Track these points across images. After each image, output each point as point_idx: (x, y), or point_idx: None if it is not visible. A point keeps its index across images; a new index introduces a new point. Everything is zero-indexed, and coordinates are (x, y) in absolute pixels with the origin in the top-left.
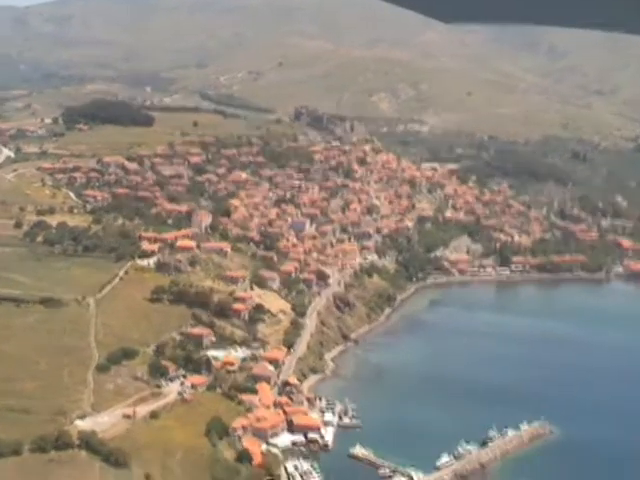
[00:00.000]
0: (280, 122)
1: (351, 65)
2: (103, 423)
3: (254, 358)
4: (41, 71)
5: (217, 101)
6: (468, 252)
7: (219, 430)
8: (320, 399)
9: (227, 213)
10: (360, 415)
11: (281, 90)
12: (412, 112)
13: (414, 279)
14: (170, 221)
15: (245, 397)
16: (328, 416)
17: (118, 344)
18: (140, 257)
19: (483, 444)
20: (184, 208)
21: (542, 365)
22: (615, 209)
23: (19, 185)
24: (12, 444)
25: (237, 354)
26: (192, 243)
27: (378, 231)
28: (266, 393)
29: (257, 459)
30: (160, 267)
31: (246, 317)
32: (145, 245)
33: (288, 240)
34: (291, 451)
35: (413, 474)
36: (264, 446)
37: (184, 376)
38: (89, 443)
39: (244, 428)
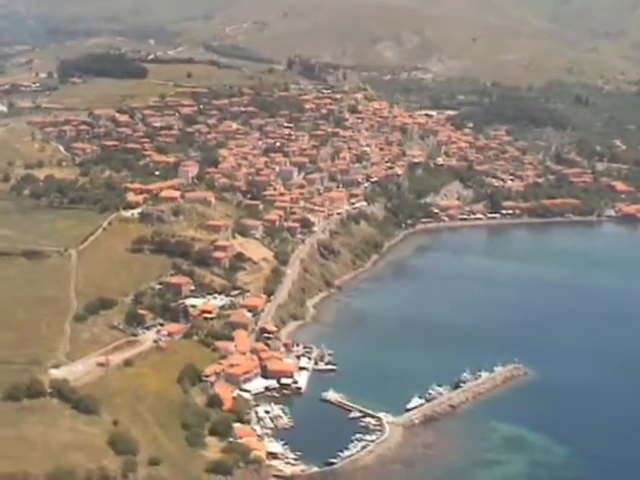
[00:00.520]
0: (273, 72)
1: (356, 14)
2: (77, 371)
3: (233, 306)
4: (48, 26)
5: (221, 52)
6: (459, 198)
7: (192, 377)
8: (297, 345)
9: (215, 163)
10: (336, 360)
11: (286, 40)
12: (416, 60)
13: (403, 225)
14: (158, 172)
15: (221, 344)
16: (304, 361)
17: (97, 294)
18: (125, 208)
19: (456, 386)
20: (172, 159)
21: (525, 308)
22: (612, 153)
23: (8, 139)
24: None
25: (216, 302)
26: (176, 193)
27: (367, 178)
28: (242, 340)
29: (227, 404)
30: (144, 218)
31: (227, 265)
32: (130, 196)
33: (275, 189)
34: (263, 396)
35: (382, 416)
36: (236, 391)
37: (161, 324)
38: (60, 391)
39: (217, 374)
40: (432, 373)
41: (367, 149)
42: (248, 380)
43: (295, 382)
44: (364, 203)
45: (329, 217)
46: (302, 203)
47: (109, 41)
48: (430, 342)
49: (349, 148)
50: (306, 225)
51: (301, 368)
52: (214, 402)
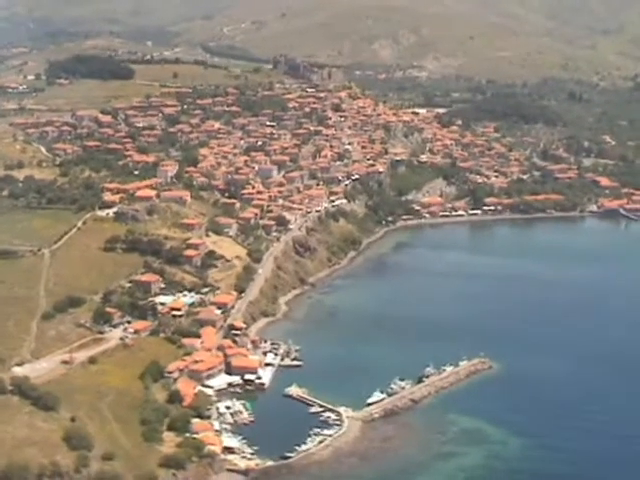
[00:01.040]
0: (259, 71)
1: (352, 13)
2: (41, 369)
3: (203, 303)
4: (49, 28)
5: (218, 52)
6: (441, 195)
7: (154, 373)
8: (265, 341)
9: (195, 162)
10: (303, 356)
11: (282, 40)
12: (412, 58)
13: (383, 222)
14: (137, 172)
15: (187, 341)
16: (270, 357)
17: (67, 293)
18: (101, 208)
19: (419, 381)
20: (151, 159)
21: (498, 303)
22: (601, 149)
23: None
24: None
25: (185, 299)
26: (152, 193)
27: (348, 176)
28: (209, 337)
29: (188, 400)
30: (118, 217)
31: (198, 263)
32: (107, 196)
33: (254, 187)
34: (226, 392)
35: (342, 411)
36: (199, 388)
37: (128, 322)
38: (21, 388)
39: (180, 370)
40: (398, 368)
41: (349, 147)
42: (211, 376)
43: (259, 378)
44: (344, 201)
45: (307, 215)
46: (280, 201)
47: (106, 43)
48: (399, 337)
49: (331, 146)
50: (282, 223)
51: (267, 364)
52: (174, 398)
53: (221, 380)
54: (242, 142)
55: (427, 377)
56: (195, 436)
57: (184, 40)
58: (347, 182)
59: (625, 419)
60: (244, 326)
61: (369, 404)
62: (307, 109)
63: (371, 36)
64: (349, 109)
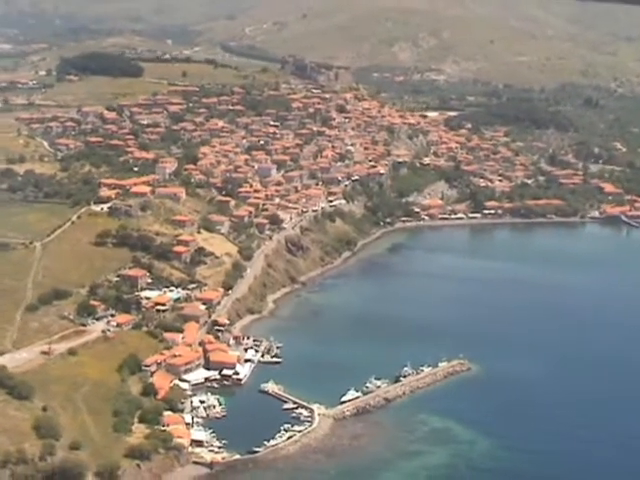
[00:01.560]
0: (266, 71)
1: (372, 15)
2: (20, 359)
3: (188, 298)
4: (73, 25)
5: (237, 52)
6: (442, 198)
7: (132, 366)
8: (248, 338)
9: (194, 160)
10: (285, 353)
11: (302, 41)
12: (431, 61)
13: (382, 224)
14: (137, 168)
15: (169, 335)
16: (250, 354)
17: (55, 286)
18: (96, 203)
19: (396, 380)
20: (151, 156)
21: (485, 306)
22: (610, 155)
23: None
24: None
25: (171, 295)
26: (147, 189)
27: (348, 177)
28: (191, 332)
29: (162, 393)
30: (112, 212)
31: (187, 259)
32: (104, 191)
33: (251, 186)
34: (203, 386)
35: (315, 408)
36: (175, 381)
37: (112, 315)
38: None
39: (158, 364)
40: (377, 367)
41: (351, 148)
42: (189, 370)
43: (236, 373)
44: (343, 201)
45: (302, 214)
46: (277, 200)
47: (126, 40)
48: (381, 337)
49: (333, 147)
50: (275, 222)
51: (246, 360)
52: (149, 391)
53: (198, 374)
54: (244, 141)
55: (404, 377)
56: (164, 428)
57: (205, 39)
58: (347, 183)
59: (596, 423)
60: (227, 322)
61: (343, 402)
62: (311, 109)
63: (391, 38)
64: (354, 110)
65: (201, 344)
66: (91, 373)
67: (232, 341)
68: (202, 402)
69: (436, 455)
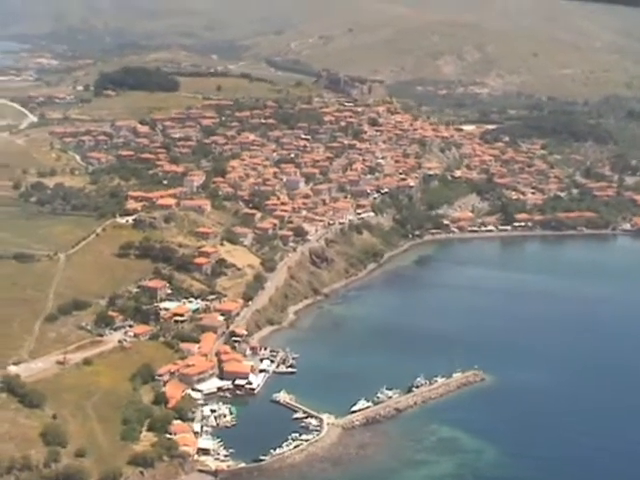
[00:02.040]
0: (300, 85)
1: (419, 29)
2: (36, 368)
3: (207, 309)
4: (123, 41)
5: (281, 67)
6: (473, 210)
7: (145, 375)
8: (265, 348)
9: (223, 173)
10: (300, 363)
11: (347, 55)
12: (475, 75)
13: (410, 236)
14: (166, 181)
15: (185, 345)
16: (265, 364)
17: (75, 296)
18: (122, 215)
19: (409, 391)
20: (180, 169)
21: (507, 317)
22: None
23: (28, 148)
24: None
25: (190, 306)
26: (172, 201)
27: (378, 190)
28: (208, 342)
29: (173, 402)
30: (137, 224)
31: (208, 271)
32: (130, 204)
33: (279, 198)
34: (216, 396)
35: (324, 417)
36: (188, 390)
37: (130, 326)
38: (11, 385)
39: (171, 373)
40: (392, 378)
41: (382, 161)
42: (202, 380)
43: (249, 383)
44: (371, 214)
45: (329, 226)
46: (304, 212)
47: (171, 55)
48: (399, 349)
49: (363, 160)
50: (299, 234)
51: (261, 370)
52: (160, 400)
53: (211, 384)
54: (274, 154)
55: (417, 387)
56: (170, 437)
57: (252, 54)
58: (375, 195)
59: (607, 433)
60: (245, 333)
61: (353, 412)
62: (343, 123)
63: (435, 52)
64: (386, 124)
65: (217, 354)
66: (104, 382)
67: (249, 352)
68: (213, 411)
69: (442, 465)
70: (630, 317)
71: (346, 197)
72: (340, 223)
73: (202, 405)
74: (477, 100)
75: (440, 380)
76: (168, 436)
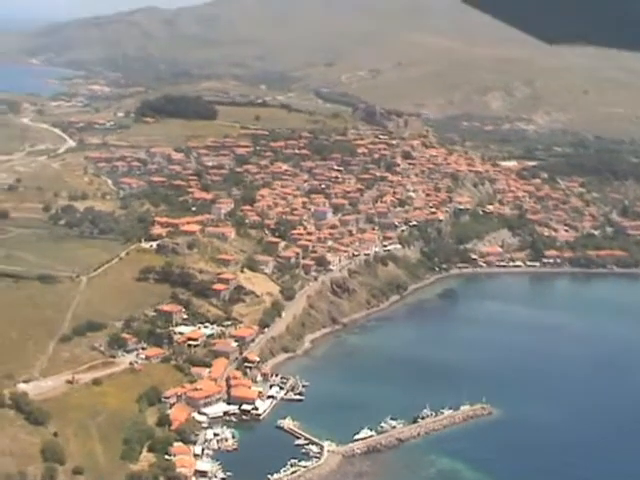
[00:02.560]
0: (337, 117)
1: (468, 64)
2: (45, 387)
3: (222, 335)
4: (176, 70)
5: (329, 98)
6: (502, 245)
7: (151, 397)
8: (276, 375)
9: (252, 201)
10: (310, 391)
11: (394, 88)
12: (523, 111)
13: (437, 269)
14: (194, 208)
15: (196, 370)
16: (274, 390)
17: (91, 318)
18: (147, 240)
19: (414, 421)
20: (210, 196)
21: (524, 353)
22: None
23: (61, 172)
24: None
25: (205, 330)
26: (196, 228)
27: (406, 222)
28: (219, 367)
29: (176, 424)
30: (160, 249)
31: (226, 297)
32: (155, 229)
33: (305, 228)
34: (221, 420)
35: (325, 445)
36: (194, 414)
37: (143, 348)
38: (18, 403)
39: (178, 396)
40: (398, 408)
41: (412, 194)
42: (209, 404)
43: (255, 409)
44: (398, 246)
45: (353, 257)
46: (330, 243)
47: (220, 85)
48: (411, 380)
49: (394, 192)
50: (321, 263)
51: (269, 396)
52: (163, 422)
53: (218, 408)
54: (305, 184)
55: (422, 418)
56: (169, 458)
57: (301, 85)
58: (403, 228)
59: (610, 473)
60: (257, 359)
61: (355, 440)
62: (376, 155)
63: (484, 87)
64: (419, 157)
65: (227, 379)
66: (111, 403)
67: (259, 378)
68: (216, 435)
69: None
70: None
71: (373, 229)
72: (365, 254)
73: (206, 428)
74: (523, 136)
75: (446, 412)
76: (167, 457)
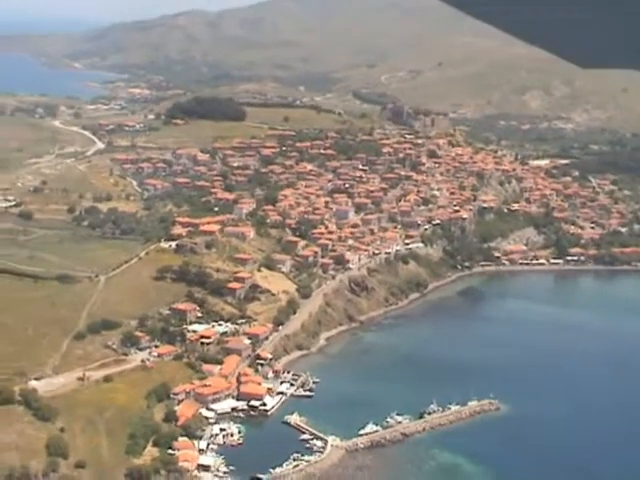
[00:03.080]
0: (365, 117)
1: (507, 64)
2: (56, 384)
3: (236, 333)
4: (219, 72)
5: (367, 99)
6: (527, 244)
7: (160, 393)
8: (288, 372)
9: (274, 201)
10: (321, 388)
11: (434, 88)
12: (562, 110)
13: (459, 267)
14: (217, 208)
15: (207, 367)
16: (284, 387)
17: (107, 317)
18: (166, 240)
19: (420, 417)
20: (232, 196)
21: (539, 351)
22: None
23: (87, 174)
24: None
25: (219, 329)
26: (215, 227)
27: (429, 221)
28: (230, 364)
29: (182, 420)
30: (179, 249)
31: (241, 296)
32: (176, 229)
33: (326, 227)
34: (230, 415)
35: (329, 439)
36: (202, 410)
37: (156, 346)
38: (27, 399)
39: (187, 393)
40: (408, 405)
41: (436, 193)
42: (217, 400)
43: (263, 405)
44: (420, 244)
45: (373, 256)
46: (350, 242)
47: (259, 87)
48: (423, 377)
49: (418, 191)
50: (340, 262)
51: (279, 393)
52: (170, 417)
53: (226, 404)
54: (329, 184)
55: (429, 414)
56: (172, 452)
57: (341, 87)
58: (426, 226)
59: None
60: (270, 357)
61: (360, 435)
62: (401, 154)
63: (523, 87)
64: (445, 156)
65: (238, 376)
66: (120, 399)
67: (271, 374)
68: (222, 430)
69: None
70: None
71: (396, 227)
72: (386, 253)
73: (213, 424)
74: (560, 135)
75: (453, 407)
76: (170, 452)
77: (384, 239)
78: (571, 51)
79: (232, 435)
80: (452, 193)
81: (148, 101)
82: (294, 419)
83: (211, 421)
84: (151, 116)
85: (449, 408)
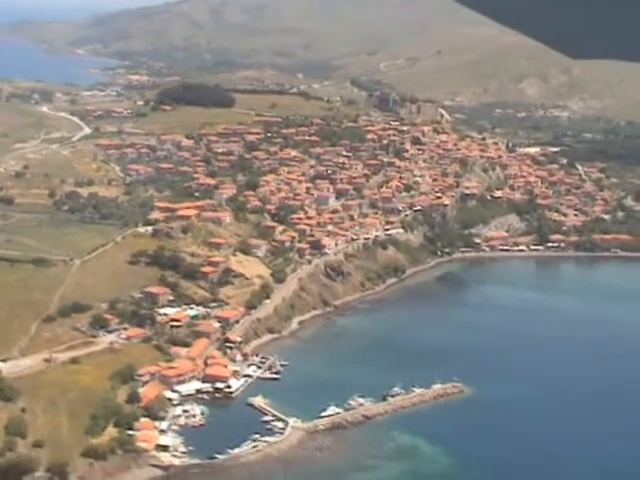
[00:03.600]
0: (352, 104)
1: (505, 52)
2: (22, 365)
3: (207, 316)
4: (221, 59)
5: (364, 87)
6: (508, 230)
7: (126, 375)
8: (257, 355)
9: (255, 187)
10: (289, 371)
11: (431, 76)
12: (559, 98)
13: (439, 253)
14: (198, 194)
15: (175, 350)
16: (250, 369)
17: (79, 300)
18: (144, 225)
19: (383, 399)
20: (214, 182)
21: (511, 335)
22: None
23: (70, 159)
24: None
25: (190, 312)
26: (192, 212)
27: (411, 207)
28: (199, 347)
29: (145, 401)
30: (155, 233)
31: (215, 280)
32: (154, 214)
33: (306, 213)
34: (194, 397)
35: (290, 421)
36: (166, 391)
37: (125, 329)
38: None
39: (152, 374)
40: (373, 388)
41: (419, 179)
42: (182, 382)
43: (228, 387)
44: (400, 230)
45: (351, 241)
46: (330, 227)
47: (257, 74)
48: (393, 361)
49: (400, 178)
50: (316, 247)
51: (245, 375)
52: (133, 399)
53: (191, 386)
54: (311, 170)
55: (392, 396)
56: (131, 433)
57: (340, 74)
58: (407, 212)
59: (570, 454)
60: (239, 340)
61: (321, 417)
62: (385, 141)
63: (520, 75)
64: (429, 143)
65: (205, 359)
66: (85, 380)
67: (239, 357)
68: (185, 411)
69: (388, 470)
70: None
71: (376, 214)
72: (365, 238)
73: (176, 405)
74: (555, 123)
75: (417, 390)
76: (129, 432)
77: (363, 225)
78: (561, 41)
79: (194, 416)
80: (435, 180)
81: (145, 87)
82: (258, 401)
83: (175, 403)
84: (140, 102)
85: (413, 391)
